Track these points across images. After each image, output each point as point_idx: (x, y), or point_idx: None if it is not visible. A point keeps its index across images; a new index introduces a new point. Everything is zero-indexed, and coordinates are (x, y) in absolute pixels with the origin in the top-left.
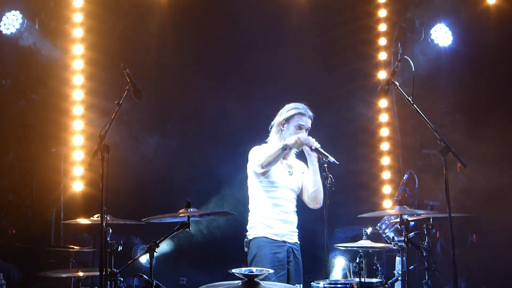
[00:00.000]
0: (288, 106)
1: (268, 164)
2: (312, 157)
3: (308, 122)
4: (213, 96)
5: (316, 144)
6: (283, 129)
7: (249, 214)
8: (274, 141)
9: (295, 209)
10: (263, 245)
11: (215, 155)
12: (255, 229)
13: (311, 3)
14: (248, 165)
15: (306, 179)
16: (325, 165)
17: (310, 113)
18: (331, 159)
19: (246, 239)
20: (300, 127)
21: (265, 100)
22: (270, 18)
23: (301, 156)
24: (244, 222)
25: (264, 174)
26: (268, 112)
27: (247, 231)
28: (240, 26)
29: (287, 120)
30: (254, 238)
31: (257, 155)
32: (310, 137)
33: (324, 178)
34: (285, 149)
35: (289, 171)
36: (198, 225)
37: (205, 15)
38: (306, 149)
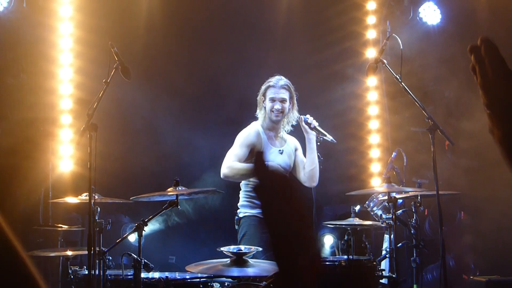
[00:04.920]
0: (265, 82)
1: (233, 179)
2: (311, 135)
3: (279, 93)
4: (202, 74)
5: (315, 123)
6: (263, 105)
7: (240, 192)
8: (260, 117)
9: None
10: (253, 224)
11: (206, 133)
12: (245, 207)
13: None
14: None
15: (300, 157)
16: (318, 143)
17: (283, 83)
18: (329, 137)
19: (236, 217)
20: (273, 100)
21: (255, 79)
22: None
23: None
24: (235, 200)
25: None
26: (257, 90)
27: (238, 208)
28: (230, 6)
29: (264, 95)
30: (244, 216)
31: (228, 159)
32: (308, 115)
33: None
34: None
35: (279, 150)
36: (188, 204)
37: None
38: (304, 127)
